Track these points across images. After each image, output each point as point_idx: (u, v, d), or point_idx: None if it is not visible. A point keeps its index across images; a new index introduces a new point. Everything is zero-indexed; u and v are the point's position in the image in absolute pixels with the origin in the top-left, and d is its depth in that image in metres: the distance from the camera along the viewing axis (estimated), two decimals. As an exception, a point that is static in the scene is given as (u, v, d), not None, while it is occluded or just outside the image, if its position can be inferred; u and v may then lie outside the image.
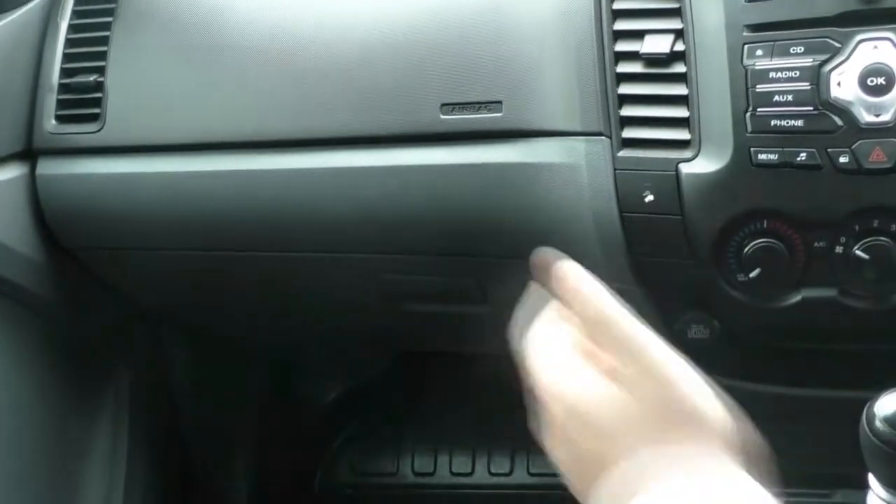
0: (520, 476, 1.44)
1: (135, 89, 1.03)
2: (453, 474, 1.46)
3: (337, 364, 1.58)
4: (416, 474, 1.47)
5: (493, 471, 1.45)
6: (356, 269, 1.07)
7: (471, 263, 1.02)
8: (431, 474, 1.47)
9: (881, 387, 0.72)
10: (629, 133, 0.86)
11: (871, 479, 0.72)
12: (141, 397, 1.24)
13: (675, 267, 0.87)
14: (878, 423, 0.67)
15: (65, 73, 1.06)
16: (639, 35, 0.86)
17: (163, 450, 1.30)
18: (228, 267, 1.10)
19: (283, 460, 1.49)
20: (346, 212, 0.99)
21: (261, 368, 1.47)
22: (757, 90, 0.80)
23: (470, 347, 1.25)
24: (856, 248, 0.80)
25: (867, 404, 0.69)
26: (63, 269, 1.10)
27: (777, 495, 0.92)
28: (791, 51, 0.80)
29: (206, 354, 1.36)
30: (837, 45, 0.79)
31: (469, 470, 1.46)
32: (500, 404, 1.49)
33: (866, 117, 0.78)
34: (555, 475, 1.54)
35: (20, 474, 1.10)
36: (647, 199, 0.85)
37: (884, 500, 0.72)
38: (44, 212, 1.06)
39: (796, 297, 0.84)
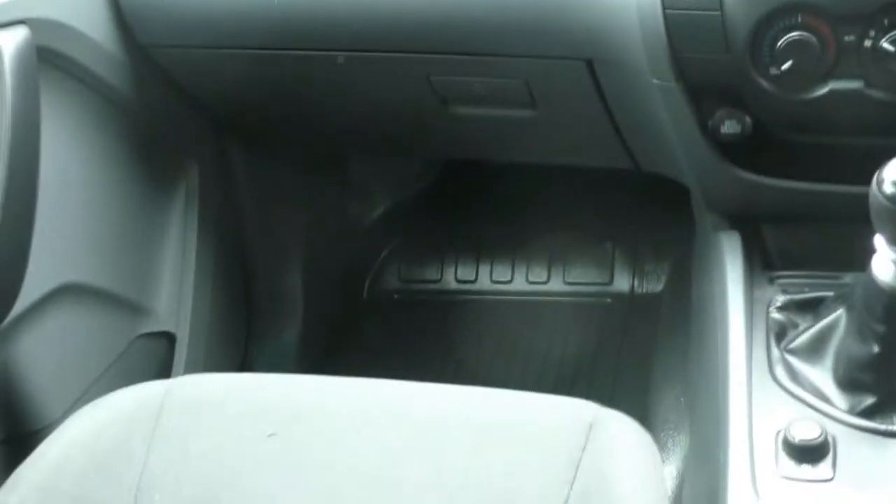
0: (556, 284, 1.53)
1: None
2: (493, 282, 1.56)
3: (384, 180, 1.66)
4: (459, 281, 1.57)
5: (530, 279, 1.55)
6: (408, 69, 1.14)
7: (519, 63, 1.08)
8: (473, 281, 1.57)
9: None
10: None
11: (878, 240, 0.80)
12: (208, 193, 1.34)
13: (711, 61, 0.93)
14: (886, 186, 0.74)
15: None
16: None
17: (227, 245, 1.40)
18: (290, 67, 1.17)
19: (334, 270, 1.60)
20: (401, 9, 1.06)
21: (313, 182, 1.56)
22: None
23: (516, 156, 1.33)
24: (883, 41, 0.86)
25: (878, 170, 0.76)
26: (140, 66, 1.18)
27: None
28: None
29: (265, 161, 1.45)
30: None
31: (508, 278, 1.56)
32: (541, 216, 1.58)
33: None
34: (588, 284, 1.64)
35: (107, 247, 1.21)
36: (689, -5, 0.90)
37: (891, 260, 0.80)
38: (121, 7, 1.13)
39: (824, 89, 0.90)
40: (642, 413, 1.20)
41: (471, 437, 0.87)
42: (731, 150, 0.99)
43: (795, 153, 0.98)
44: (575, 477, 0.81)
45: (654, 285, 1.49)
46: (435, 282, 1.59)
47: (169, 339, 1.33)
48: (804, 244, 1.06)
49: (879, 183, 0.75)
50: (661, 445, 1.16)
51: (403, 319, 1.58)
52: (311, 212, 1.55)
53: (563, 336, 1.46)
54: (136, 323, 1.29)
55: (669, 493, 1.10)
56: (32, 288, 1.08)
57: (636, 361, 1.36)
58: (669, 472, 1.13)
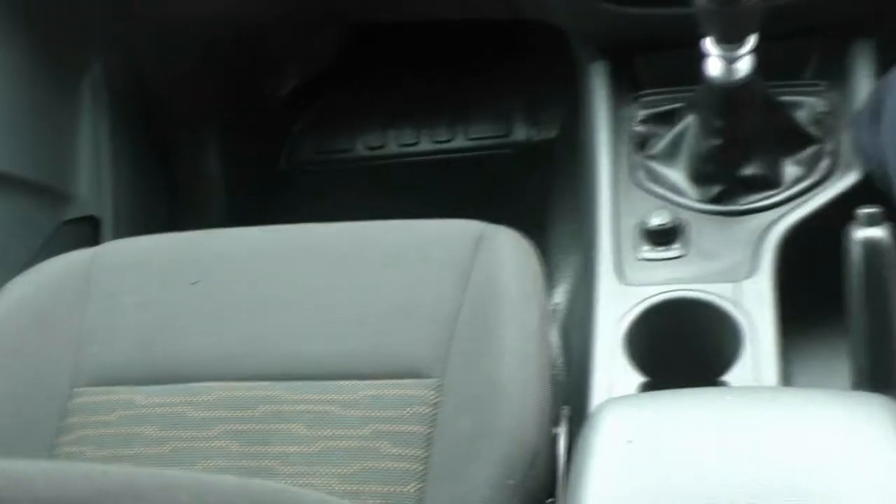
0: (459, 142, 1.62)
1: None
2: (401, 146, 1.64)
3: (292, 56, 1.72)
4: (369, 148, 1.65)
5: (435, 140, 1.63)
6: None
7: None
8: (381, 147, 1.65)
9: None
10: None
11: (707, 42, 0.90)
12: (115, 78, 1.39)
13: None
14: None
15: None
16: None
17: (142, 127, 1.46)
18: None
19: (250, 145, 1.66)
20: None
21: (223, 61, 1.61)
22: None
23: (407, 12, 1.40)
24: None
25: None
26: None
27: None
28: None
29: (172, 43, 1.49)
30: None
31: (415, 141, 1.64)
32: (441, 78, 1.66)
33: None
34: (489, 137, 1.73)
35: (22, 136, 1.27)
36: None
37: (719, 56, 0.90)
38: None
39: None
40: (541, 240, 1.31)
41: (376, 262, 0.96)
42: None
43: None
44: (467, 284, 0.92)
45: (550, 132, 1.59)
46: (347, 151, 1.66)
47: (94, 223, 1.40)
48: (670, 67, 1.16)
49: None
50: (556, 267, 1.27)
51: (320, 189, 1.66)
52: (225, 90, 1.61)
53: (469, 186, 1.56)
54: (60, 209, 1.35)
55: (564, 304, 1.22)
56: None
57: (537, 200, 1.47)
58: (564, 288, 1.24)
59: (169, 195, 1.56)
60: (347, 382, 0.90)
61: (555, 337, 1.19)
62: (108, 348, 0.96)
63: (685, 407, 0.63)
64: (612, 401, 0.66)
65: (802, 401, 0.62)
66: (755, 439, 0.60)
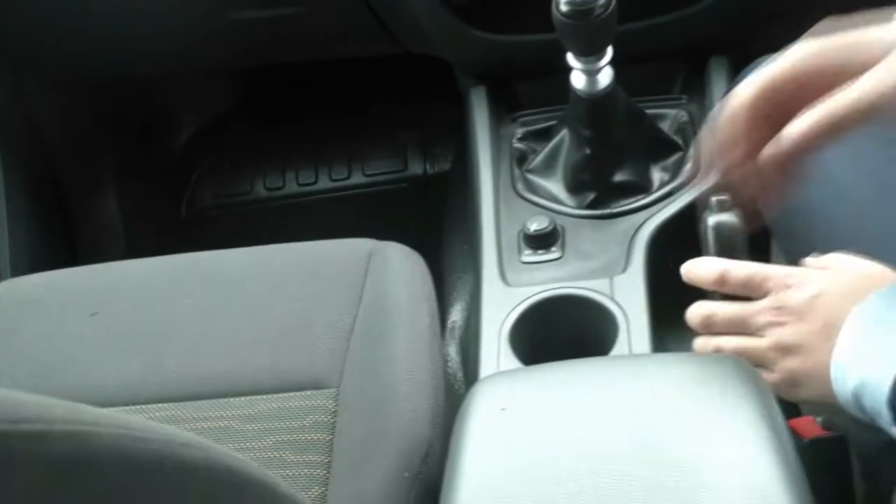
0: (357, 178, 1.67)
1: None
2: (300, 185, 1.68)
3: (187, 105, 1.75)
4: (268, 189, 1.69)
5: (333, 177, 1.67)
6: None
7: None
8: (281, 188, 1.68)
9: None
10: None
11: (569, 56, 0.97)
12: (8, 131, 1.40)
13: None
14: (561, 5, 0.90)
15: None
16: None
17: (38, 179, 1.47)
18: None
19: (150, 193, 1.68)
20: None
21: (118, 112, 1.63)
22: None
23: (294, 55, 1.45)
24: None
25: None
26: None
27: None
28: None
29: (67, 96, 1.51)
30: None
31: (313, 180, 1.68)
32: (337, 117, 1.70)
33: None
34: (386, 173, 1.77)
35: None
36: None
37: (580, 70, 0.97)
38: None
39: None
40: (437, 261, 1.35)
41: (271, 283, 0.99)
42: (464, 13, 1.15)
43: (515, 8, 1.14)
44: (361, 298, 0.95)
45: (444, 164, 1.65)
46: (246, 193, 1.69)
47: (-10, 273, 1.40)
48: (546, 89, 1.22)
49: (556, 4, 0.91)
50: (452, 286, 1.32)
51: (222, 232, 1.68)
52: (121, 140, 1.62)
53: (369, 220, 1.61)
54: (-46, 261, 1.35)
55: (461, 321, 1.26)
56: None
57: (433, 228, 1.52)
58: (461, 306, 1.29)
59: (67, 244, 1.56)
60: (247, 398, 0.92)
61: (453, 352, 1.23)
62: (7, 383, 0.96)
63: (556, 376, 0.68)
64: (489, 375, 0.70)
65: (661, 363, 0.68)
66: (620, 399, 0.64)
